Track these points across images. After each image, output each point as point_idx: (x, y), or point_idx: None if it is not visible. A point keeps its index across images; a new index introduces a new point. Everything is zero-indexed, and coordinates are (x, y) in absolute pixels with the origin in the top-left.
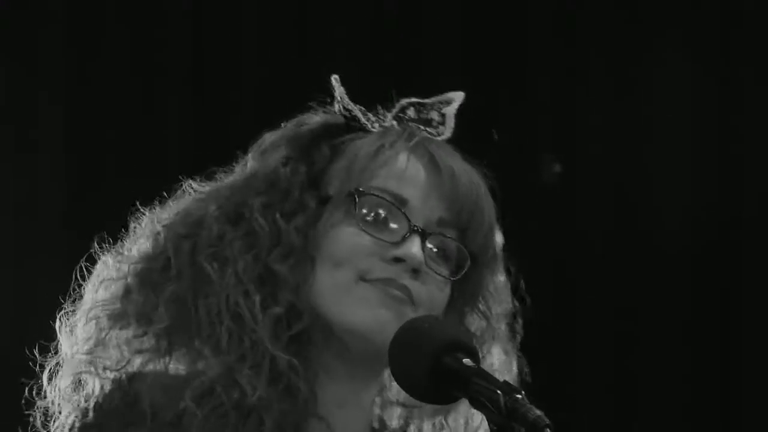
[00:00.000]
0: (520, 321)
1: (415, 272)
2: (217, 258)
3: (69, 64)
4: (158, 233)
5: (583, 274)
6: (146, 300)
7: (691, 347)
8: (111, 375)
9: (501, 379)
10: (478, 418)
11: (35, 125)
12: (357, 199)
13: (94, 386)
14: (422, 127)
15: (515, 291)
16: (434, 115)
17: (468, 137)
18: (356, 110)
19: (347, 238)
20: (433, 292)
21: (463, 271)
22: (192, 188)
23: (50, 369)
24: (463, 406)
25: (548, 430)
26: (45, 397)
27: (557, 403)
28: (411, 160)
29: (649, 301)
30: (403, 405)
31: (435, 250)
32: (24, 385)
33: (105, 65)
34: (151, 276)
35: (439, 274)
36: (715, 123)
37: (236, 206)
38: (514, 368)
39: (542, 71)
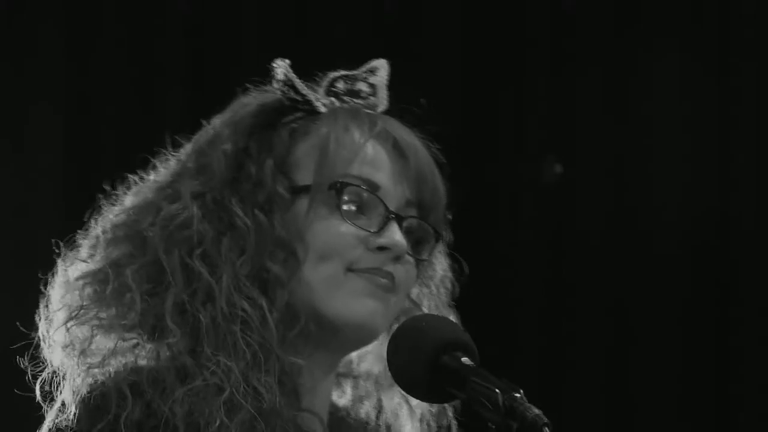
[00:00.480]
0: (454, 281)
1: (398, 258)
2: (207, 259)
3: (69, 64)
4: (140, 233)
5: (583, 275)
6: (149, 308)
7: (688, 347)
8: (126, 388)
9: None
10: None
11: (35, 125)
12: (340, 191)
13: (112, 399)
14: (355, 100)
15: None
16: (362, 86)
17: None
18: (310, 94)
19: (333, 230)
20: (410, 273)
21: (433, 249)
22: (151, 180)
23: (48, 376)
24: None
25: (547, 428)
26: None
27: (557, 403)
28: (377, 145)
29: (647, 301)
30: (354, 377)
31: (408, 232)
32: (19, 393)
33: (104, 65)
34: (144, 280)
35: (414, 256)
36: (715, 122)
37: (213, 200)
38: None
39: (542, 71)
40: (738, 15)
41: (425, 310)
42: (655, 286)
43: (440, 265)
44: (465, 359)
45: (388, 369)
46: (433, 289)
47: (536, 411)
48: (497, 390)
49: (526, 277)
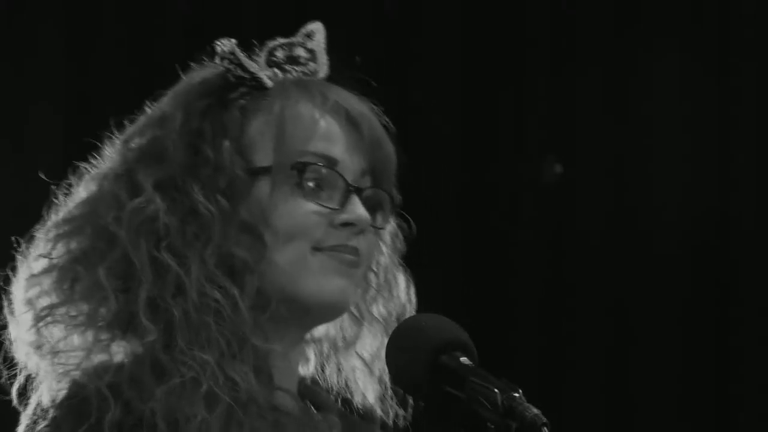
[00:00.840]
0: (401, 237)
1: (361, 231)
2: (174, 251)
3: (69, 64)
4: (105, 228)
5: (583, 275)
6: (122, 306)
7: (688, 347)
8: (106, 390)
9: (392, 296)
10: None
11: (35, 125)
12: (302, 171)
13: (93, 402)
14: (296, 68)
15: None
16: (301, 52)
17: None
18: (260, 72)
19: (297, 210)
20: (372, 243)
21: (389, 214)
22: (104, 168)
23: (24, 381)
24: (369, 338)
25: (546, 428)
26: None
27: (557, 403)
28: (330, 118)
29: (647, 301)
30: (313, 341)
31: (366, 202)
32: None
33: (104, 65)
34: (115, 277)
35: (375, 226)
36: (715, 122)
37: (174, 189)
38: (402, 284)
39: (542, 71)
40: (738, 15)
41: (374, 269)
42: (655, 285)
43: (389, 225)
44: (464, 359)
45: (342, 331)
46: (383, 249)
47: (535, 410)
48: (496, 390)
49: (526, 277)
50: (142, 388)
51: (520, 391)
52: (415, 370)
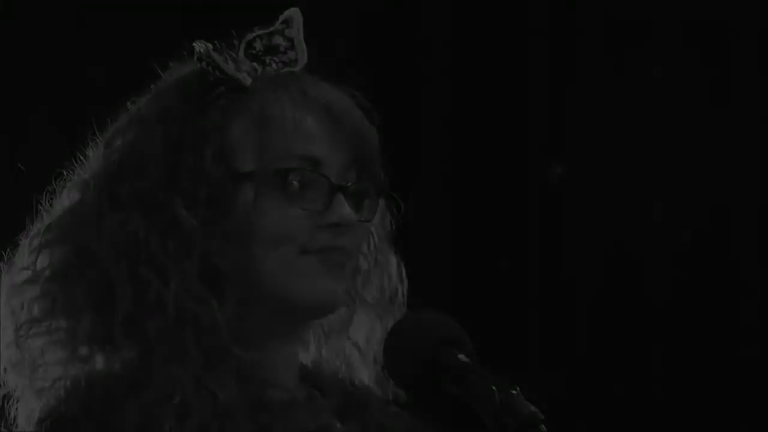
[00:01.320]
0: (392, 221)
1: (348, 230)
2: (154, 266)
3: (68, 66)
4: (85, 244)
5: (583, 275)
6: (100, 321)
7: (688, 347)
8: (79, 412)
9: (384, 278)
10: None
11: (35, 130)
12: (285, 177)
13: (66, 426)
14: (275, 58)
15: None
16: (280, 40)
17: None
18: (237, 73)
19: (282, 215)
20: (358, 237)
21: (376, 204)
22: (86, 176)
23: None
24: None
25: (543, 426)
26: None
27: (557, 402)
28: (310, 115)
29: (649, 300)
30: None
31: (352, 196)
32: None
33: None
34: (94, 293)
35: (363, 220)
36: (715, 122)
37: (155, 202)
38: (393, 264)
39: (542, 71)
40: (738, 15)
41: (363, 253)
42: (655, 283)
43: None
44: (461, 356)
45: (337, 314)
46: (372, 231)
47: (533, 408)
48: (493, 387)
49: (525, 278)
50: (115, 405)
51: (518, 388)
52: (412, 368)
